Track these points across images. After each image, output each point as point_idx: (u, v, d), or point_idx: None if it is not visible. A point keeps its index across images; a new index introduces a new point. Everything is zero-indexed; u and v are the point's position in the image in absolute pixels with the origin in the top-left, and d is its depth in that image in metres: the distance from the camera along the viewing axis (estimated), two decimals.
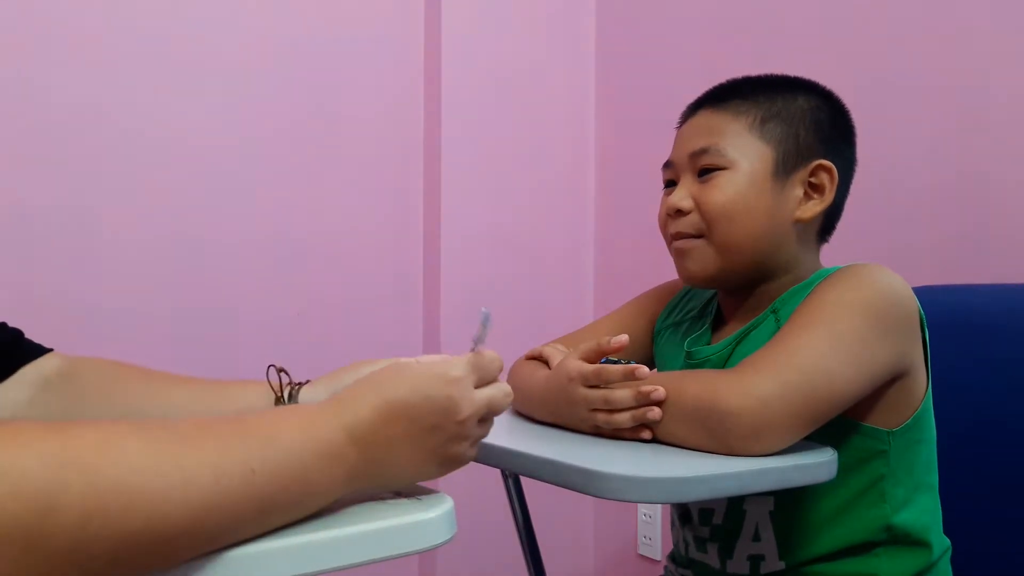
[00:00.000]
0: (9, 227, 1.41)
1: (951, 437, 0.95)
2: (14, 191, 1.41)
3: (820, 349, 0.81)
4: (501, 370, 0.66)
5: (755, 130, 0.92)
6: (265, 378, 0.79)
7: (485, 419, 0.64)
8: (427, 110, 1.80)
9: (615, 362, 0.88)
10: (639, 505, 1.80)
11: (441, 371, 0.61)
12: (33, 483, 0.41)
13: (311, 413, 0.58)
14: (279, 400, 0.78)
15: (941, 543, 0.92)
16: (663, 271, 0.99)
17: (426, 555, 1.72)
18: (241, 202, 1.61)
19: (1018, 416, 1.00)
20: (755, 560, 0.90)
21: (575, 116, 1.94)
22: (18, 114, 1.42)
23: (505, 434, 0.87)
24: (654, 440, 0.83)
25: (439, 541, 0.58)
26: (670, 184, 0.98)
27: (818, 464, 0.79)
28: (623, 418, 0.83)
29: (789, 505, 0.88)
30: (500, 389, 0.65)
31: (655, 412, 0.81)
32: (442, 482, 0.77)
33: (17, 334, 0.85)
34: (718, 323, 1.01)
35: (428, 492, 0.62)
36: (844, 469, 0.82)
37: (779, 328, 0.88)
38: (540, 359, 0.99)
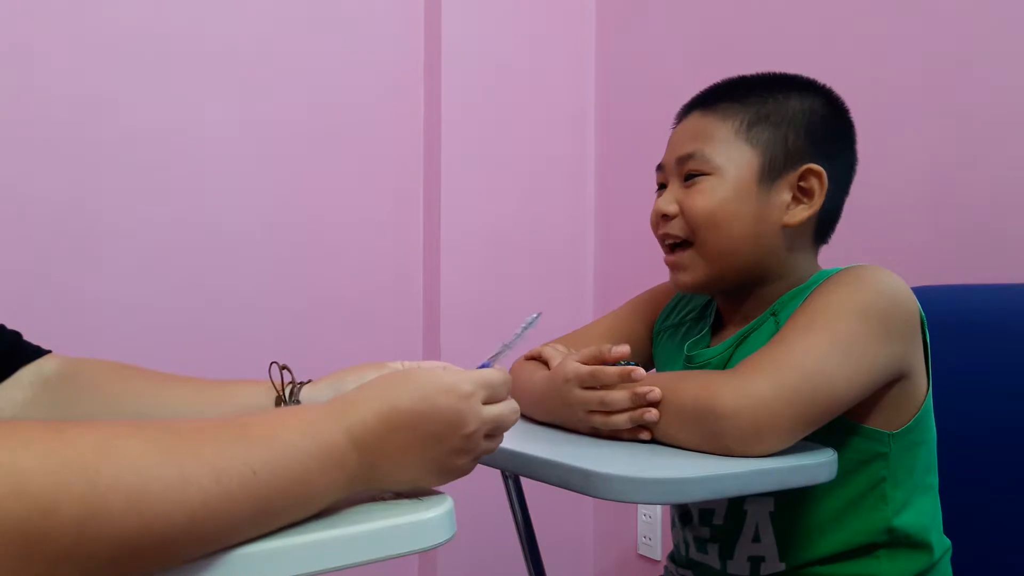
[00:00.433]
0: (9, 227, 1.41)
1: (951, 437, 0.95)
2: (14, 191, 1.41)
3: (819, 351, 0.80)
4: (510, 389, 0.65)
5: (742, 134, 0.91)
6: (266, 377, 0.79)
7: (492, 435, 0.64)
8: (427, 110, 1.80)
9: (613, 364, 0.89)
10: (639, 505, 1.80)
11: (451, 384, 0.60)
12: (33, 483, 0.41)
13: (314, 415, 0.57)
14: (280, 399, 0.78)
15: (942, 544, 0.92)
16: (663, 271, 0.99)
17: (426, 555, 1.72)
18: (241, 202, 1.61)
19: (1018, 416, 1.00)
20: (755, 561, 0.90)
21: (575, 116, 1.94)
22: (17, 112, 1.42)
23: (505, 435, 0.86)
24: (653, 441, 0.83)
25: (439, 541, 0.58)
26: (662, 187, 0.98)
27: (818, 465, 0.79)
28: (620, 419, 0.83)
29: (790, 506, 0.88)
30: (509, 406, 0.64)
31: (652, 413, 0.81)
32: None
33: (16, 335, 0.84)
34: (717, 325, 1.01)
35: (428, 492, 0.62)
36: (845, 471, 0.82)
37: (779, 330, 0.87)
38: (540, 359, 0.99)
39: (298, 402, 0.78)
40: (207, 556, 0.49)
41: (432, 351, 1.79)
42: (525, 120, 1.86)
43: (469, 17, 1.79)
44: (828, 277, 0.89)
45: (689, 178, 0.92)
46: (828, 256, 0.98)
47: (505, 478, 1.07)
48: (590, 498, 0.86)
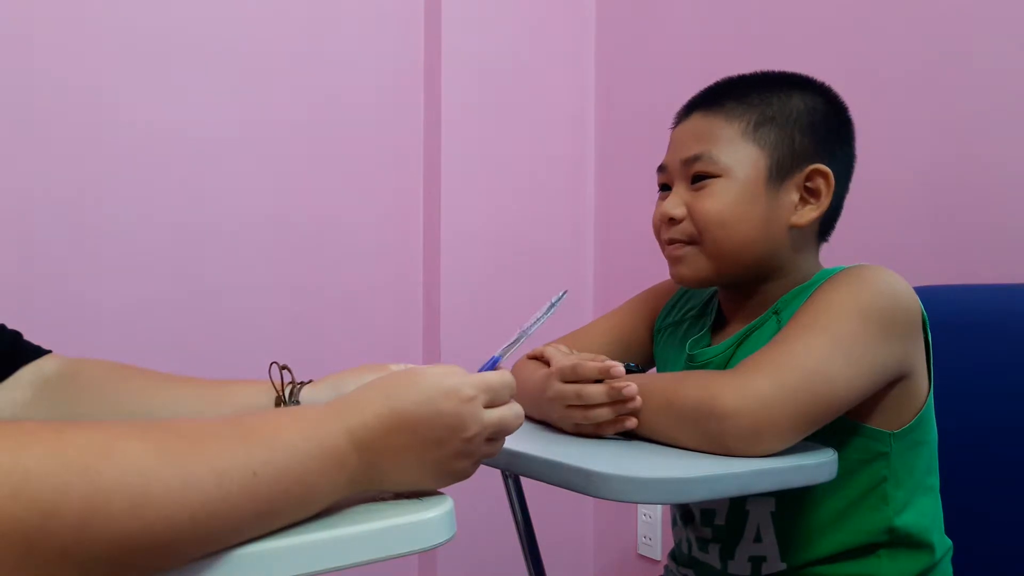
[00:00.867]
0: (9, 227, 1.41)
1: (952, 437, 0.95)
2: (13, 191, 1.41)
3: (821, 351, 0.80)
4: (514, 393, 0.65)
5: (748, 135, 0.91)
6: (266, 377, 0.79)
7: (494, 439, 0.63)
8: (427, 110, 1.80)
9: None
10: (639, 505, 1.80)
11: (453, 387, 0.60)
12: (34, 484, 0.41)
13: (315, 416, 0.57)
14: (280, 399, 0.78)
15: (943, 544, 0.92)
16: (663, 271, 0.99)
17: (426, 555, 1.72)
18: (241, 202, 1.61)
19: (1018, 416, 1.00)
20: (756, 561, 0.90)
21: (575, 116, 1.94)
22: (17, 111, 1.42)
23: None
24: (653, 441, 0.83)
25: (439, 541, 0.58)
26: (664, 188, 0.97)
27: (818, 465, 0.78)
28: (597, 414, 0.83)
29: (791, 506, 0.88)
30: (511, 410, 0.64)
31: (632, 421, 0.82)
32: None
33: (16, 335, 0.84)
34: (719, 323, 1.01)
35: (428, 492, 0.62)
36: (846, 471, 0.82)
37: (781, 329, 0.87)
38: (542, 359, 0.99)
39: (298, 402, 0.78)
40: (207, 556, 0.49)
41: (432, 351, 1.79)
42: (525, 120, 1.86)
43: (469, 17, 1.79)
44: (830, 277, 0.89)
45: (696, 180, 0.92)
46: (830, 256, 0.98)
47: (505, 478, 1.07)
48: (590, 498, 0.86)
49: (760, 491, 0.80)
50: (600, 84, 1.94)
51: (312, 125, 1.69)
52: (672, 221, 0.93)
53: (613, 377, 0.82)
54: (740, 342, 0.93)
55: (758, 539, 0.90)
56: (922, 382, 0.88)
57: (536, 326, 0.73)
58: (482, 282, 1.80)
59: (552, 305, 0.74)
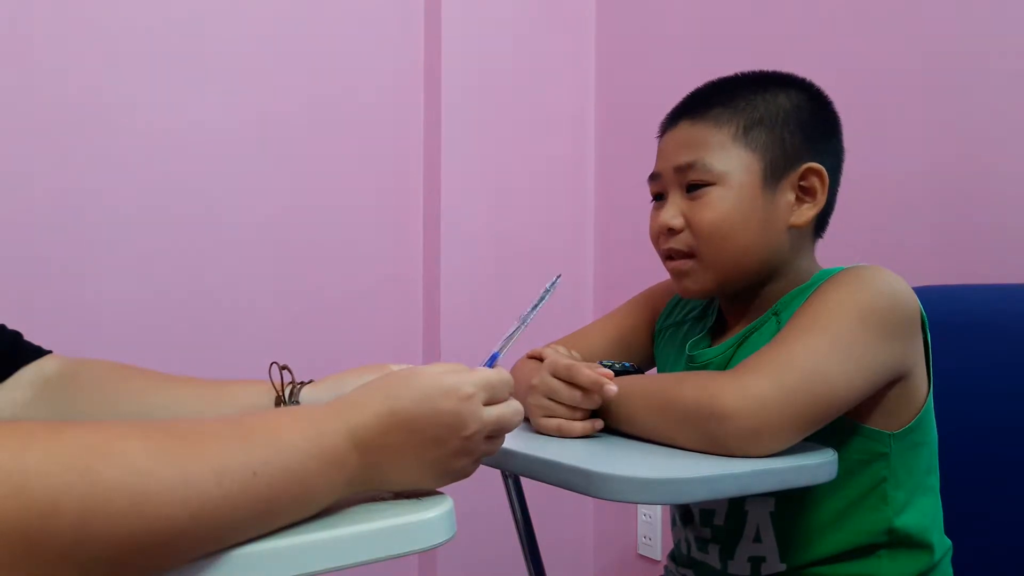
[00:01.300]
0: (9, 227, 1.41)
1: (951, 437, 0.95)
2: (13, 191, 1.41)
3: (820, 351, 0.80)
4: (512, 391, 0.65)
5: (739, 139, 0.90)
6: (266, 377, 0.79)
7: (494, 436, 0.63)
8: (427, 110, 1.80)
9: (610, 364, 0.89)
10: (639, 505, 1.80)
11: (452, 385, 0.60)
12: (34, 484, 0.41)
13: (314, 416, 0.57)
14: (280, 399, 0.78)
15: (943, 544, 0.92)
16: (663, 271, 0.99)
17: (426, 555, 1.72)
18: (241, 202, 1.61)
19: (1018, 416, 1.00)
20: (756, 561, 0.90)
21: (575, 116, 1.94)
22: (16, 111, 1.42)
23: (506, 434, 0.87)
24: (652, 442, 0.83)
25: (439, 541, 0.58)
26: (658, 197, 0.97)
27: (818, 465, 0.78)
28: (567, 406, 0.86)
29: (790, 507, 0.88)
30: (511, 408, 0.64)
31: (597, 424, 0.86)
32: None
33: (16, 335, 0.85)
34: (719, 325, 1.01)
35: (428, 492, 0.62)
36: (845, 471, 0.82)
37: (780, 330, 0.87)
38: (540, 359, 0.99)
39: (298, 402, 0.78)
40: (207, 556, 0.49)
41: (432, 351, 1.79)
42: (525, 120, 1.86)
43: (469, 17, 1.79)
44: (829, 277, 0.89)
45: (692, 189, 0.91)
46: (828, 256, 0.98)
47: (505, 478, 1.07)
48: (590, 498, 0.86)
49: (760, 491, 0.80)
50: (600, 84, 1.94)
51: (312, 125, 1.69)
52: (671, 232, 0.93)
53: (605, 395, 0.84)
54: (740, 343, 0.93)
55: (758, 539, 0.90)
56: (921, 382, 0.88)
57: (533, 313, 0.73)
58: (482, 282, 1.80)
59: (547, 291, 0.74)
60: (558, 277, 0.75)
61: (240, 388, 0.80)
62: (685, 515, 0.98)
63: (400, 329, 1.80)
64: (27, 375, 0.81)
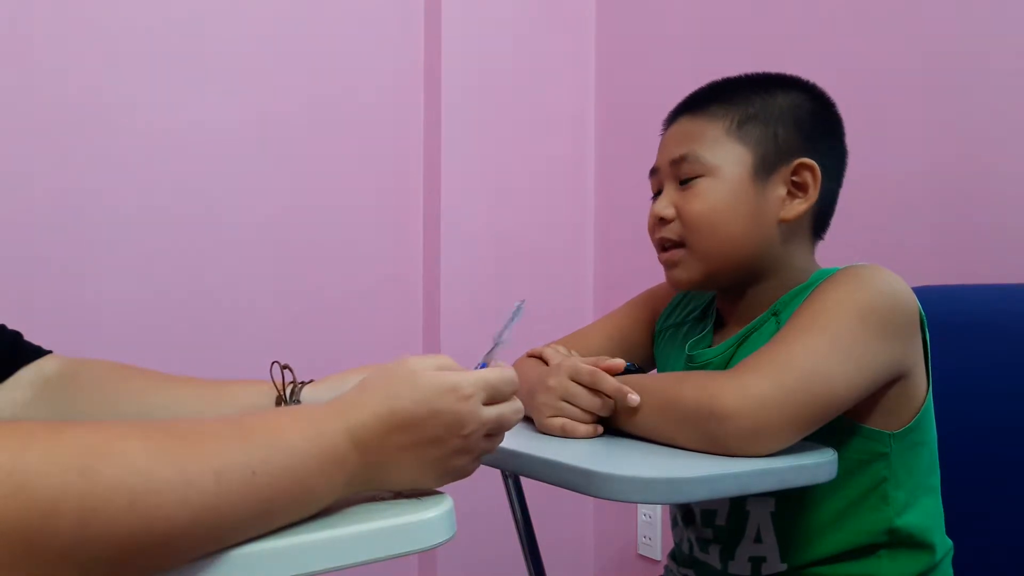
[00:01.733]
0: (9, 227, 1.41)
1: (951, 437, 0.95)
2: (13, 191, 1.41)
3: (819, 351, 0.80)
4: (516, 389, 0.65)
5: (732, 133, 0.92)
6: (267, 376, 0.79)
7: (493, 434, 0.63)
8: (427, 110, 1.80)
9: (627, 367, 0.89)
10: (639, 505, 1.80)
11: (451, 384, 0.60)
12: (34, 484, 0.41)
13: (314, 415, 0.57)
14: (281, 399, 0.78)
15: (944, 544, 0.92)
16: (663, 271, 0.99)
17: (426, 555, 1.72)
18: (241, 202, 1.61)
19: (1018, 416, 1.00)
20: (756, 561, 0.90)
21: (575, 116, 1.94)
22: (16, 110, 1.42)
23: (506, 434, 0.86)
24: (652, 441, 0.83)
25: (439, 541, 0.58)
26: (658, 193, 0.98)
27: (818, 465, 0.78)
28: (583, 410, 0.86)
29: (791, 507, 0.88)
30: (511, 407, 0.64)
31: (599, 428, 0.87)
32: None
33: (16, 335, 0.85)
34: (718, 325, 1.01)
35: (428, 492, 0.62)
36: (845, 471, 0.82)
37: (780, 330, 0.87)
38: (540, 359, 0.99)
39: (298, 402, 0.78)
40: (207, 556, 0.49)
41: (432, 351, 1.79)
42: (525, 120, 1.86)
43: (469, 17, 1.79)
44: (828, 277, 0.89)
45: (685, 182, 0.93)
46: (828, 256, 0.98)
47: (505, 478, 1.07)
48: (590, 498, 0.86)
49: (760, 491, 0.80)
50: (600, 84, 1.94)
51: (312, 125, 1.69)
52: (663, 221, 0.94)
53: (627, 404, 0.83)
54: (740, 343, 0.93)
55: (758, 539, 0.90)
56: (921, 382, 0.88)
57: (506, 333, 0.72)
58: (482, 282, 1.80)
59: (513, 318, 0.73)
60: (522, 303, 0.74)
61: (240, 388, 0.80)
62: (687, 515, 0.98)
63: (400, 329, 1.80)
64: (27, 375, 0.81)
